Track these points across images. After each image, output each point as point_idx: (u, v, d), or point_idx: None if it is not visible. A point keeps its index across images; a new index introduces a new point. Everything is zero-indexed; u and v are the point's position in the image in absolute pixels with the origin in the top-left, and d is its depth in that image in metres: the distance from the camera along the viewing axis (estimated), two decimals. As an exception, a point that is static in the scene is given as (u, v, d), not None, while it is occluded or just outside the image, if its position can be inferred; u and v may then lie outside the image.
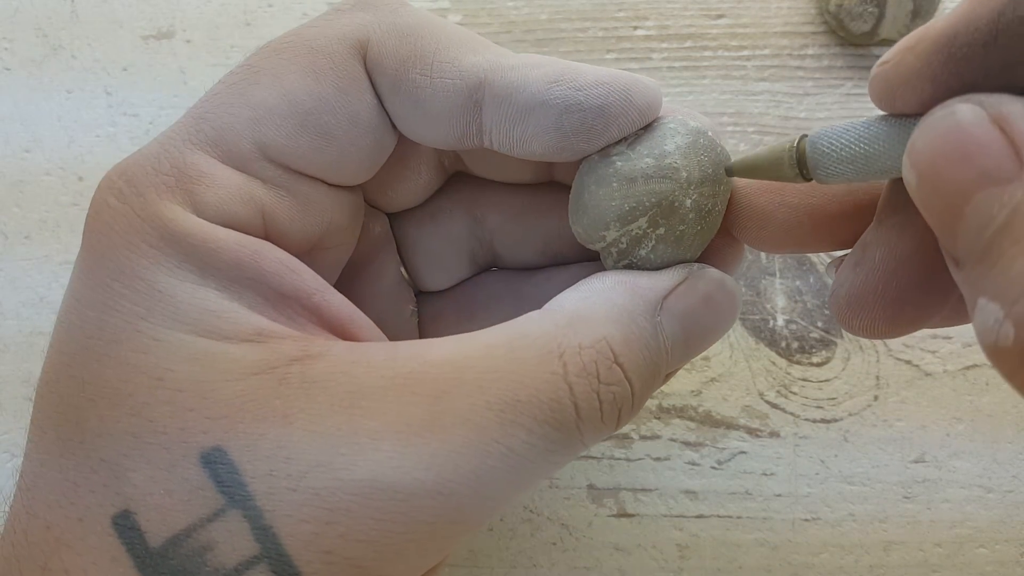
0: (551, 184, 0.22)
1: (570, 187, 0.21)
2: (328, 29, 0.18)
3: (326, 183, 0.19)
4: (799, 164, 0.17)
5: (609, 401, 0.16)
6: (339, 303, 0.18)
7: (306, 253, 0.19)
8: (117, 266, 0.16)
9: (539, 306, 0.18)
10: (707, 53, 0.30)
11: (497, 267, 0.24)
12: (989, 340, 0.13)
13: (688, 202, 0.18)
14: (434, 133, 0.19)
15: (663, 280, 0.18)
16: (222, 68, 0.30)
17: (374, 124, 0.18)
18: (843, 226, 0.19)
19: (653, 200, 0.18)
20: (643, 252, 0.18)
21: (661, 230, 0.18)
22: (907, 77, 0.15)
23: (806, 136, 0.17)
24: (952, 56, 0.14)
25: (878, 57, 0.30)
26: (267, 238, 0.18)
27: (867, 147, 0.16)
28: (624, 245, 0.18)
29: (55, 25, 0.31)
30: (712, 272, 0.19)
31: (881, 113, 0.16)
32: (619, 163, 0.18)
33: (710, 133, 0.19)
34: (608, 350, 0.16)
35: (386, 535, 0.15)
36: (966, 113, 0.13)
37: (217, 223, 0.17)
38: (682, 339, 0.18)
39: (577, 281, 0.18)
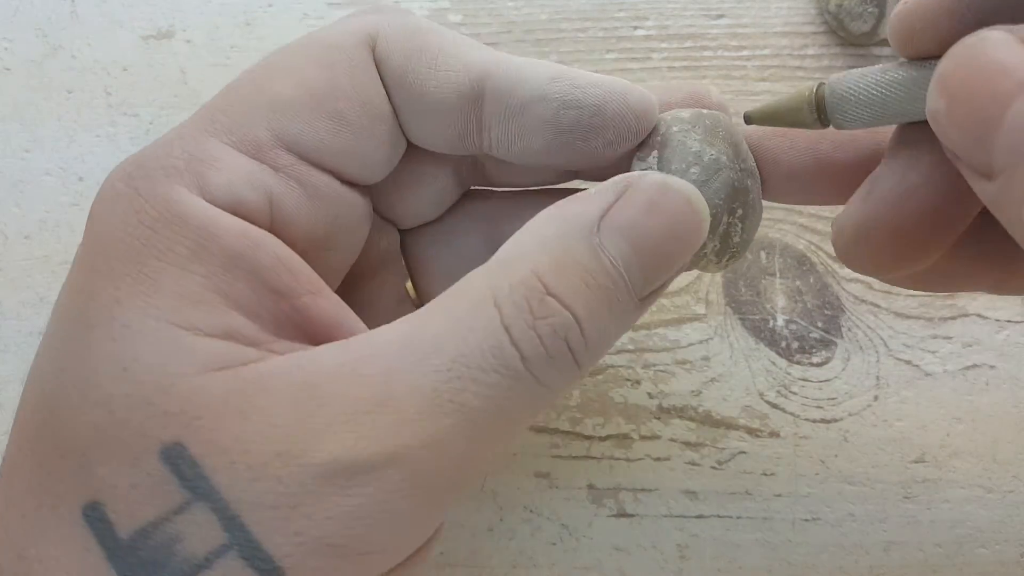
0: None
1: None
2: (341, 27, 0.19)
3: (338, 179, 0.19)
4: (818, 110, 0.17)
5: (548, 335, 0.16)
6: (330, 307, 0.18)
7: (311, 251, 0.19)
8: (107, 247, 0.16)
9: None
10: (707, 53, 0.30)
11: None
12: None
13: (740, 174, 0.19)
14: (435, 127, 0.19)
15: (595, 201, 0.17)
16: (222, 68, 0.30)
17: (386, 113, 0.19)
18: (848, 176, 0.19)
19: (722, 196, 0.19)
20: (736, 239, 0.19)
21: (740, 211, 0.19)
22: (926, 12, 0.15)
23: (824, 83, 0.18)
24: None
25: (878, 57, 0.30)
26: (272, 226, 0.18)
27: (885, 91, 0.16)
28: (718, 245, 0.19)
29: (55, 25, 0.31)
30: (651, 176, 0.18)
31: (897, 61, 0.17)
32: None
33: (703, 111, 0.20)
34: (537, 282, 0.16)
35: (353, 509, 0.15)
36: (994, 35, 0.14)
37: (224, 205, 0.17)
38: (633, 255, 0.17)
39: None
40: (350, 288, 0.22)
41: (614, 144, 0.19)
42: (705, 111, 0.20)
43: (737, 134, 0.20)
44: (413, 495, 0.16)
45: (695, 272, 0.28)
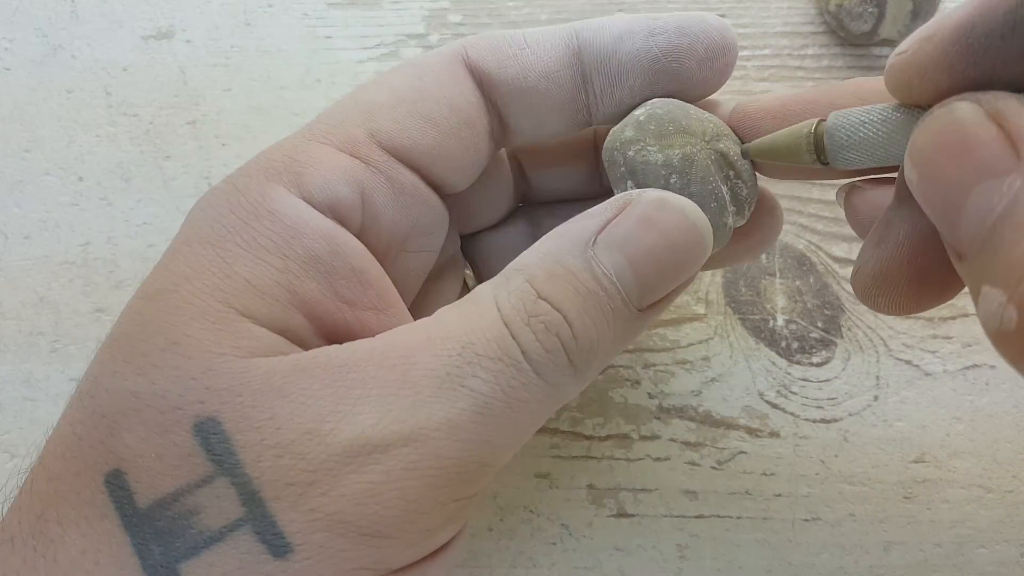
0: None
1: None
2: (433, 52, 0.21)
3: (424, 180, 0.20)
4: (816, 150, 0.17)
5: (541, 331, 0.17)
6: (388, 324, 0.18)
7: (393, 250, 0.20)
8: (194, 233, 0.18)
9: None
10: (707, 53, 0.30)
11: None
12: (993, 325, 0.13)
13: (710, 143, 0.19)
14: (545, 103, 0.20)
15: (594, 217, 0.18)
16: (222, 68, 0.30)
17: (472, 117, 0.20)
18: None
19: (711, 179, 0.19)
20: (743, 192, 0.20)
21: (731, 171, 0.20)
22: (924, 67, 0.15)
23: (822, 121, 0.17)
24: (969, 46, 0.14)
25: (878, 57, 0.30)
26: (363, 219, 0.19)
27: (885, 137, 0.16)
28: (734, 209, 0.20)
29: (55, 25, 0.31)
30: (650, 193, 0.18)
31: (896, 102, 0.16)
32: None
33: (640, 116, 0.20)
34: (530, 288, 0.17)
35: (367, 487, 0.16)
36: (964, 110, 0.14)
37: (320, 203, 0.18)
38: (628, 267, 0.18)
39: None
40: (422, 290, 0.23)
41: (707, 62, 0.20)
42: (641, 114, 0.20)
43: (682, 111, 0.20)
44: (426, 476, 0.16)
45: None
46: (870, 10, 0.28)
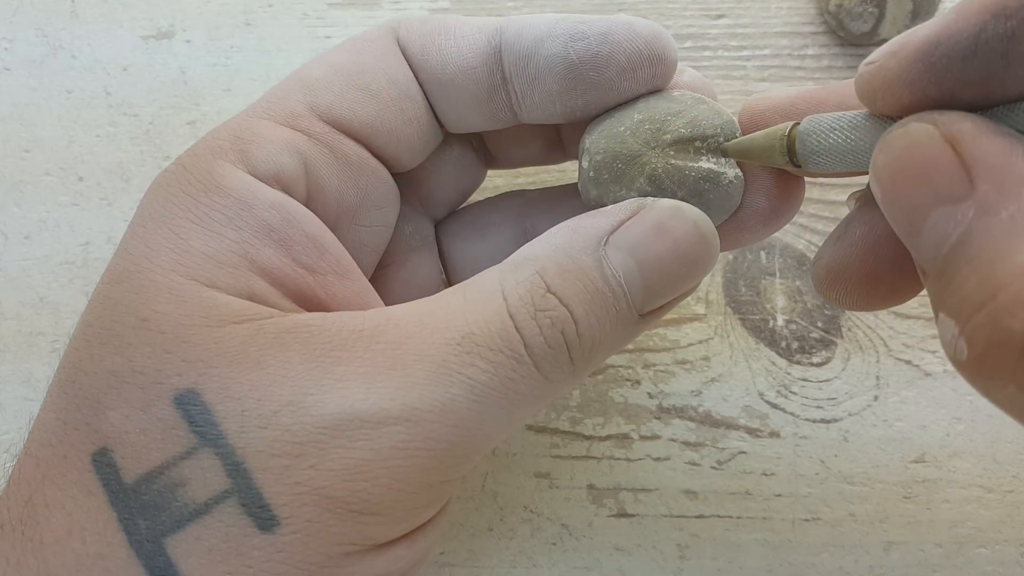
0: None
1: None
2: (368, 28, 0.21)
3: (369, 151, 0.20)
4: (789, 153, 0.17)
5: (547, 326, 0.17)
6: (355, 288, 0.19)
7: (343, 221, 0.20)
8: (149, 213, 0.18)
9: None
10: (707, 53, 0.30)
11: None
12: (949, 353, 0.13)
13: (656, 143, 0.19)
14: (465, 98, 0.20)
15: (607, 217, 0.18)
16: (222, 68, 0.30)
17: (414, 93, 0.20)
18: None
19: (689, 161, 0.19)
20: (706, 123, 0.19)
21: (697, 135, 0.19)
22: (888, 81, 0.15)
23: (797, 124, 0.17)
24: (932, 66, 0.14)
25: (878, 57, 0.30)
26: (308, 191, 0.19)
27: (854, 144, 0.16)
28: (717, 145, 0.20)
29: (55, 25, 0.31)
30: (664, 201, 0.18)
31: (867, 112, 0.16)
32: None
33: (588, 173, 0.20)
34: (540, 281, 0.17)
35: (356, 463, 0.16)
36: (920, 132, 0.14)
37: (265, 175, 0.18)
38: (637, 271, 0.18)
39: None
40: (385, 274, 0.23)
41: (628, 72, 0.19)
42: (589, 170, 0.19)
43: (615, 140, 0.19)
44: (416, 456, 0.16)
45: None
46: (870, 10, 0.28)
